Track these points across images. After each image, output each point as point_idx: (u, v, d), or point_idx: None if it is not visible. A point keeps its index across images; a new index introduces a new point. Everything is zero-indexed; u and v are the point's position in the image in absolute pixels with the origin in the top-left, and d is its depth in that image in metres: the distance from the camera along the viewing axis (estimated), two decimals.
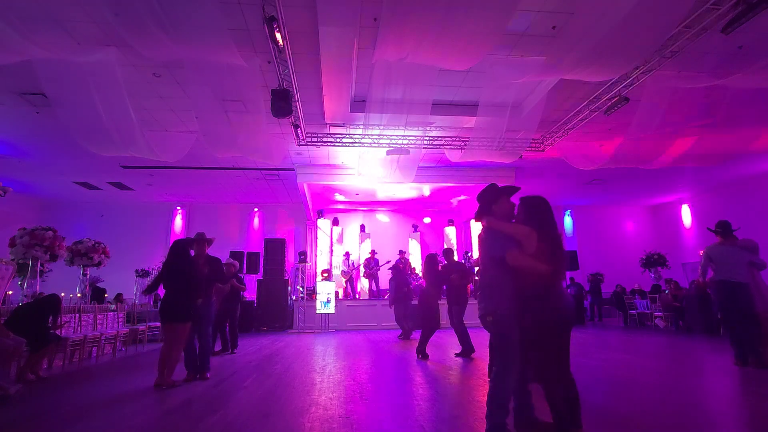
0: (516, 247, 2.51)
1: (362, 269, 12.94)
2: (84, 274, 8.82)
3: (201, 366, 4.75)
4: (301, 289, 11.79)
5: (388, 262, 12.63)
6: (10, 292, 7.01)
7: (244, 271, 11.62)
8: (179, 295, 4.36)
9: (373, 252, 13.07)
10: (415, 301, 7.86)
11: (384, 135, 8.82)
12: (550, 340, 2.51)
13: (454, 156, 9.83)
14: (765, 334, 4.92)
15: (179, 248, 4.57)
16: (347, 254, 13.59)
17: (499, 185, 2.82)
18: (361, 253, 14.31)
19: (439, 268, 6.50)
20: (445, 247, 6.66)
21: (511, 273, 2.52)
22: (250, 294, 11.84)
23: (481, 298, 2.67)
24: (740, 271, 4.92)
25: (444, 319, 6.76)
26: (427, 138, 9.11)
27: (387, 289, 13.24)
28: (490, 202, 2.73)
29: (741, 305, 4.89)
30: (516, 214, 2.75)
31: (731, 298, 4.96)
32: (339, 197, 14.27)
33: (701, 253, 5.46)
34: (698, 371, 4.98)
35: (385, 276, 13.07)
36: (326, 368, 5.34)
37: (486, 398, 2.54)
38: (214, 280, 4.99)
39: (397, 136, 8.90)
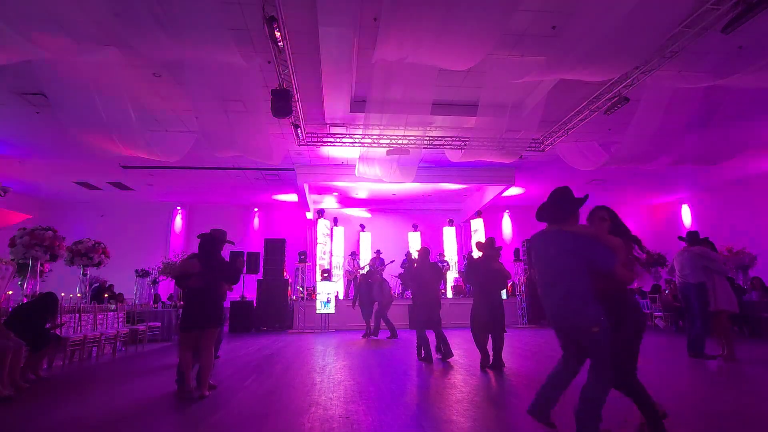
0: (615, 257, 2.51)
1: (367, 269, 12.94)
2: (84, 274, 8.81)
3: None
4: (301, 289, 11.78)
5: (392, 261, 12.62)
6: (10, 292, 6.99)
7: (244, 272, 11.61)
8: (216, 298, 4.00)
9: (378, 252, 13.06)
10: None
11: (384, 135, 8.82)
12: (633, 342, 2.61)
13: (454, 156, 9.83)
14: (724, 330, 5.59)
15: (218, 243, 4.13)
16: (352, 254, 13.57)
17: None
18: (362, 253, 14.31)
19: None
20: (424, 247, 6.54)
21: (594, 280, 2.50)
22: (250, 294, 11.84)
23: (568, 307, 2.48)
24: (693, 274, 5.58)
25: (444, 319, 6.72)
26: (427, 138, 9.11)
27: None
28: (574, 209, 2.66)
29: (692, 303, 5.60)
30: (593, 222, 2.79)
31: (685, 298, 5.70)
32: (329, 199, 14.26)
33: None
34: (697, 371, 4.98)
35: (388, 276, 13.08)
36: (326, 368, 5.34)
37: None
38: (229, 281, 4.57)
39: (397, 136, 8.90)
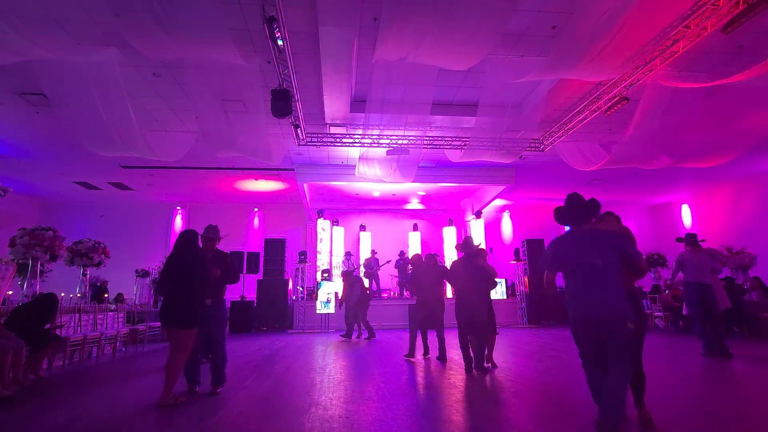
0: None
1: (362, 269, 12.95)
2: (84, 274, 8.81)
3: (215, 378, 4.09)
4: (301, 289, 11.78)
5: (388, 261, 12.63)
6: (10, 292, 6.99)
7: (244, 271, 11.62)
8: (182, 297, 3.74)
9: (373, 252, 13.08)
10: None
11: (384, 135, 8.82)
12: (639, 337, 2.86)
13: (454, 156, 9.83)
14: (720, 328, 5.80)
15: (185, 241, 3.93)
16: (347, 254, 13.57)
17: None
18: (362, 253, 14.31)
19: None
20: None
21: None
22: (250, 294, 11.84)
23: (609, 302, 2.58)
24: (707, 275, 5.69)
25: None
26: (427, 138, 9.11)
27: (386, 289, 13.26)
28: (598, 211, 2.90)
29: (708, 304, 5.65)
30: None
31: (700, 298, 5.68)
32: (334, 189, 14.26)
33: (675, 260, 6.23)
34: (696, 371, 4.98)
35: (384, 275, 13.10)
36: (326, 368, 5.34)
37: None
38: (225, 278, 4.28)
39: (397, 136, 8.90)
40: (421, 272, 6.06)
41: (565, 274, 2.83)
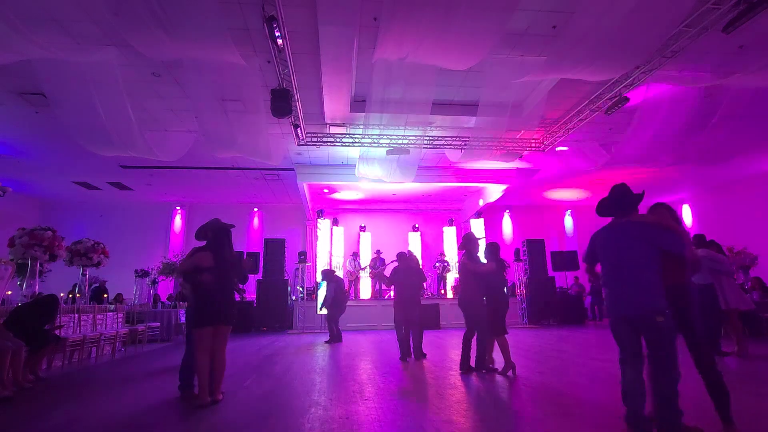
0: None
1: (368, 269, 12.91)
2: (83, 275, 8.80)
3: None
4: (301, 289, 11.76)
5: (393, 261, 12.57)
6: (9, 292, 6.98)
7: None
8: (231, 292, 3.79)
9: (378, 252, 13.03)
10: None
11: (384, 135, 8.81)
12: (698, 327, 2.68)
13: (454, 156, 9.83)
14: (735, 328, 5.97)
15: (227, 232, 3.90)
16: (354, 255, 13.53)
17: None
18: (362, 253, 14.29)
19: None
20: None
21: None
22: (250, 294, 11.82)
23: (636, 296, 2.53)
24: (704, 275, 5.73)
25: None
26: (427, 138, 9.11)
27: (388, 290, 13.23)
28: (638, 203, 2.82)
29: (705, 303, 5.72)
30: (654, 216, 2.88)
31: (698, 298, 5.65)
32: (339, 196, 14.28)
33: None
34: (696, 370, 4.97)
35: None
36: (326, 368, 5.34)
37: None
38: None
39: (397, 136, 8.89)
40: (402, 270, 6.10)
41: (602, 268, 2.82)
